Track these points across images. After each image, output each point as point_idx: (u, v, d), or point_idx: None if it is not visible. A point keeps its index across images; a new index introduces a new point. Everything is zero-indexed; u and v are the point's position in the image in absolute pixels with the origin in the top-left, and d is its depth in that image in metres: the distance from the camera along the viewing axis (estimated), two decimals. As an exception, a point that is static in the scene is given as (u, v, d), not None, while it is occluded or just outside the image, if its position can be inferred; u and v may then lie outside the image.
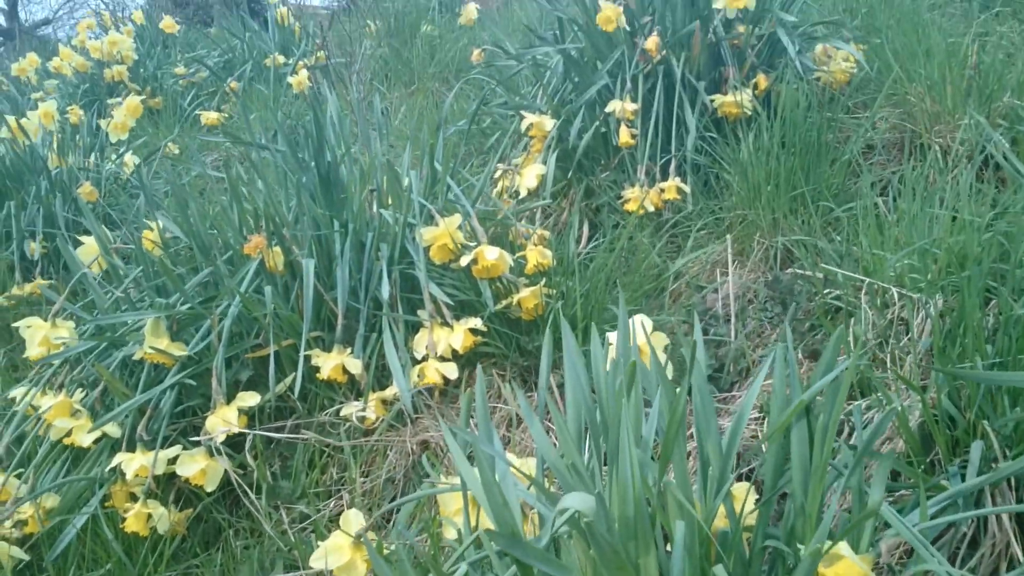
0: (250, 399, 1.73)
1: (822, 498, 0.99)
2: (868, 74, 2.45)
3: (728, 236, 2.07)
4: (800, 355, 1.69)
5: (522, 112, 2.52)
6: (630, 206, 2.20)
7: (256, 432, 1.69)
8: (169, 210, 2.24)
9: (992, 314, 1.49)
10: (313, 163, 2.02)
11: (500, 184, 2.44)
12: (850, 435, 1.43)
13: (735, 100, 2.27)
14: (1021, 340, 1.28)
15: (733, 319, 1.84)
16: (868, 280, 1.63)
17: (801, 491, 0.99)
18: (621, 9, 2.34)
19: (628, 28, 2.38)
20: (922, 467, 1.30)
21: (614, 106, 2.31)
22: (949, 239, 1.57)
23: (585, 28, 2.53)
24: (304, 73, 4.08)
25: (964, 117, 2.11)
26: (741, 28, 2.40)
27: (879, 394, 1.41)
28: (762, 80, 2.34)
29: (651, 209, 2.21)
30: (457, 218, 1.84)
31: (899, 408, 1.29)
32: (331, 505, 1.69)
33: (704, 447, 1.08)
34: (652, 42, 2.32)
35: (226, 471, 1.67)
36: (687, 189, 2.23)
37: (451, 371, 1.73)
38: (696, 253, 2.10)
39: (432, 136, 2.21)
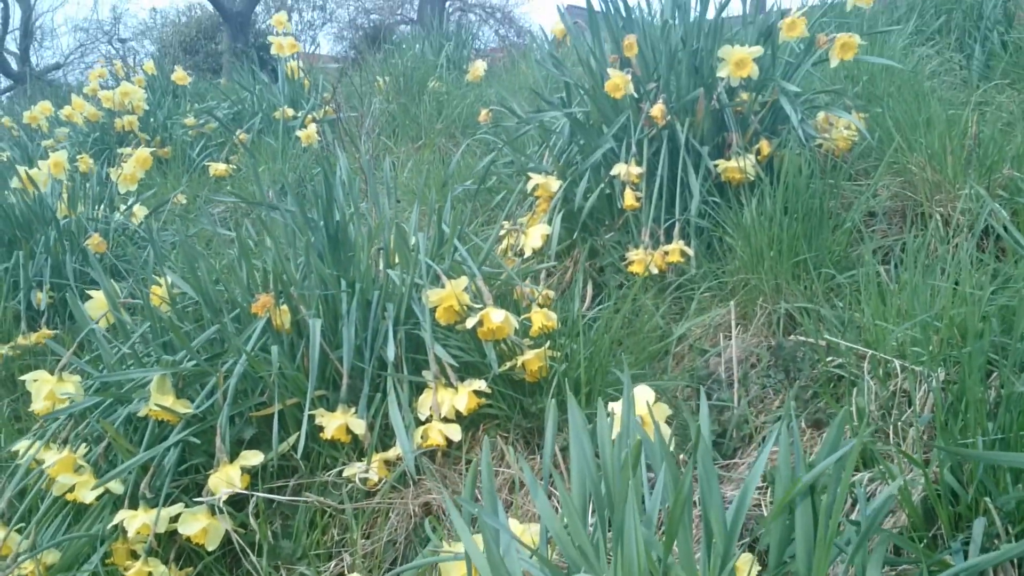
0: (253, 458, 1.73)
1: (826, 576, 0.99)
2: (870, 143, 2.48)
3: (731, 301, 2.08)
4: (803, 424, 1.69)
5: (528, 173, 2.56)
6: (635, 268, 2.22)
7: (258, 495, 1.69)
8: (176, 264, 2.26)
9: (994, 387, 1.50)
10: (322, 222, 2.05)
11: (505, 242, 2.46)
12: (853, 506, 1.43)
13: (738, 165, 2.30)
14: (1022, 417, 1.29)
15: (736, 384, 1.85)
16: (871, 352, 1.64)
17: (805, 571, 0.99)
18: (630, 77, 2.38)
19: (634, 94, 2.43)
20: (924, 541, 1.30)
21: (619, 169, 2.34)
22: (951, 311, 1.59)
23: (591, 93, 2.58)
24: (313, 127, 4.13)
25: (965, 187, 2.14)
26: (744, 95, 2.44)
27: (882, 467, 1.42)
28: (765, 146, 2.38)
29: (655, 271, 2.23)
30: (463, 281, 1.86)
31: (901, 482, 1.29)
32: (332, 567, 1.68)
33: (708, 520, 1.08)
34: (658, 109, 2.36)
35: (227, 530, 1.66)
36: (691, 252, 2.25)
37: (455, 433, 1.73)
38: (700, 317, 2.12)
39: (439, 195, 2.24)
